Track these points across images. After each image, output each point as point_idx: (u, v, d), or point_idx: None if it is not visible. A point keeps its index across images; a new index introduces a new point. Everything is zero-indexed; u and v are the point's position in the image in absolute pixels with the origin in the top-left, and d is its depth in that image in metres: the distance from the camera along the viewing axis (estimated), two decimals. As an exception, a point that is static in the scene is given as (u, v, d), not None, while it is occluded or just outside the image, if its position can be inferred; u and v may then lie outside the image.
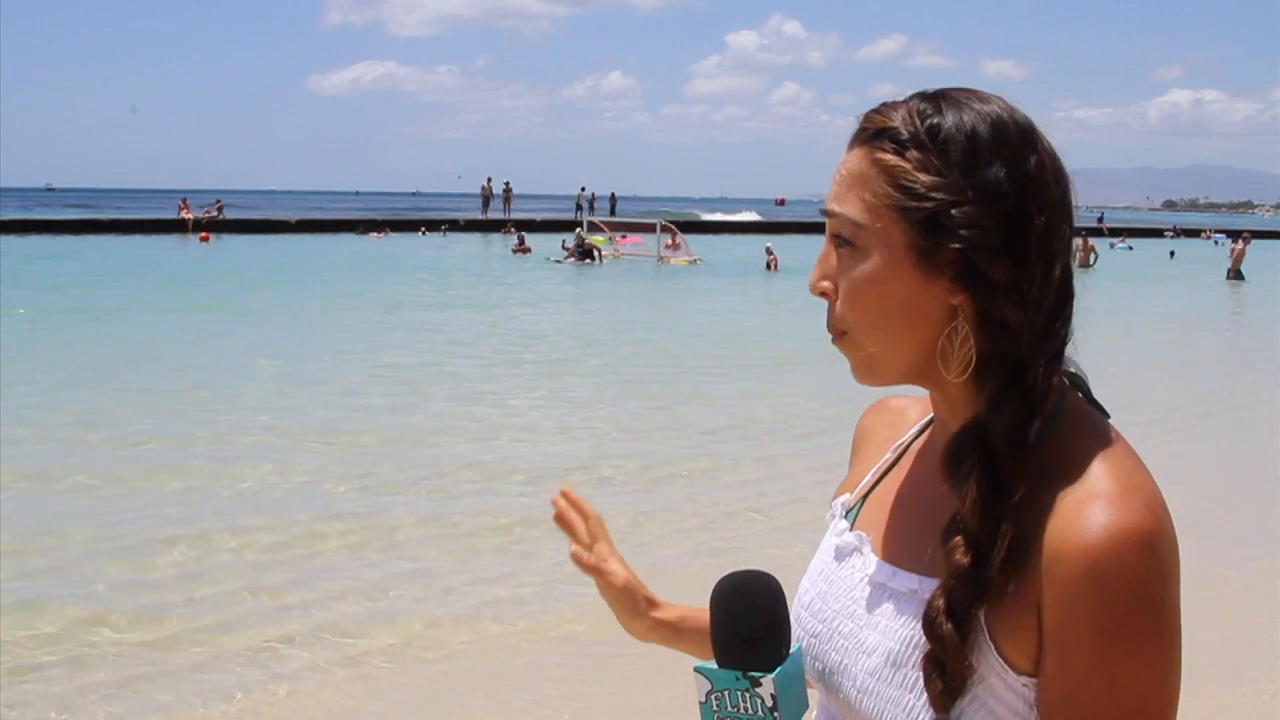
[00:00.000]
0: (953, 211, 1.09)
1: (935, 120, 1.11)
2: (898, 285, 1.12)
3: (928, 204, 1.09)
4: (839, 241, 1.15)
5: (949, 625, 1.07)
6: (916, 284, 1.11)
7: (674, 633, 1.45)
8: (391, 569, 7.04)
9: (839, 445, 1.47)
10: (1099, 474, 1.06)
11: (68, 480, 8.71)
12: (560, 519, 1.48)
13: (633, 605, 1.44)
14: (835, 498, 1.37)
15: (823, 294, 1.17)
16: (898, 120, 1.13)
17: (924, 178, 1.10)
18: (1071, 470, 1.07)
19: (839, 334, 1.17)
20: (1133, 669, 1.02)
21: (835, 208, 1.15)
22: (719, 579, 1.18)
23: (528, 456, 10.00)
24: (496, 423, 11.41)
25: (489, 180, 56.76)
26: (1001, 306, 1.09)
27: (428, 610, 6.44)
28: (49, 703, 5.18)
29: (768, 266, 32.65)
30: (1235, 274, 34.56)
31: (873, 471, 1.33)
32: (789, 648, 1.16)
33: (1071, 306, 1.13)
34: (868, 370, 1.18)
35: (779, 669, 1.14)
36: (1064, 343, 1.13)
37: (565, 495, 1.49)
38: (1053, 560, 1.04)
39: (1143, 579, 1.02)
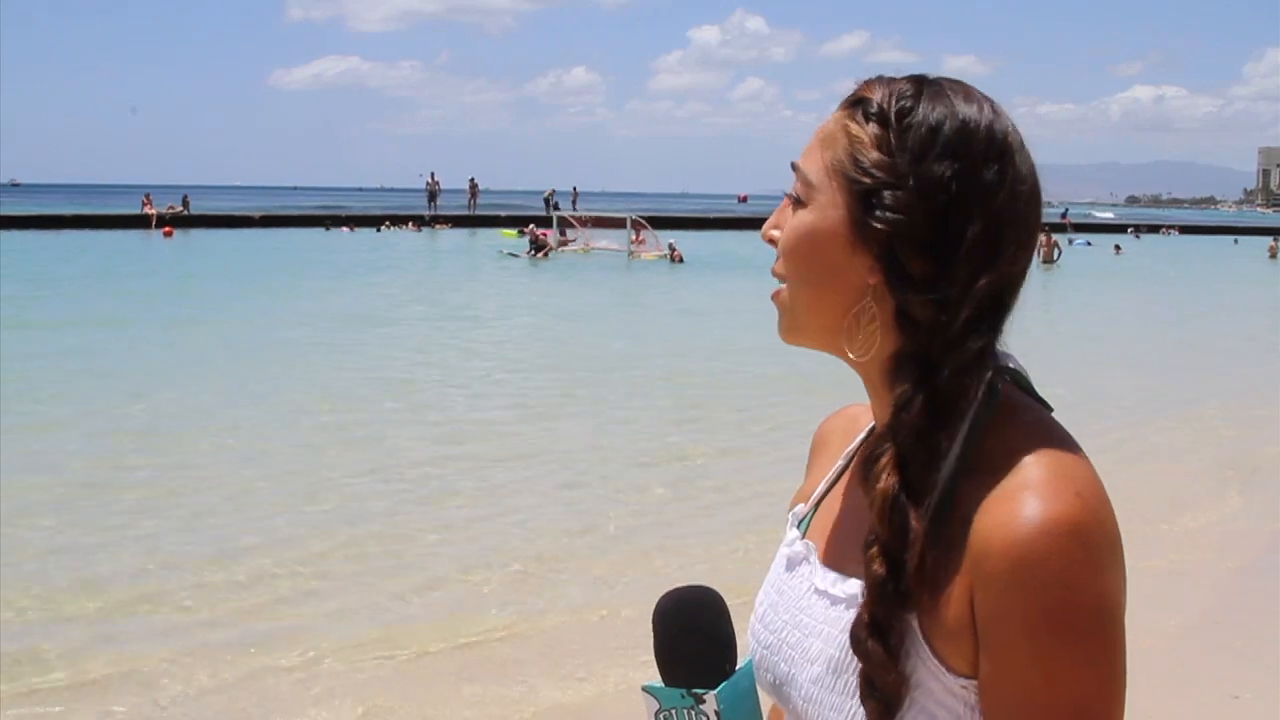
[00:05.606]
0: (886, 192, 1.09)
1: (909, 104, 1.12)
2: (828, 246, 1.13)
3: (867, 179, 1.10)
4: (795, 198, 1.17)
5: (872, 641, 1.05)
6: (844, 251, 1.12)
7: None
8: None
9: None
10: (1029, 464, 1.03)
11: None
12: None
13: None
14: (791, 508, 1.35)
15: (770, 241, 1.20)
16: (877, 95, 1.14)
17: (874, 154, 1.11)
18: (1001, 463, 1.04)
19: (775, 289, 1.19)
20: (1069, 666, 0.99)
21: (800, 162, 1.18)
22: (660, 596, 1.18)
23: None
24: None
25: (433, 175, 56.58)
26: (913, 302, 1.09)
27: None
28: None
29: (671, 259, 35.89)
30: None
31: (826, 480, 1.31)
32: (734, 664, 1.16)
33: (999, 320, 1.11)
34: (789, 327, 1.19)
35: (722, 685, 1.14)
36: (979, 354, 1.08)
37: None
38: (981, 556, 1.01)
39: (1073, 571, 0.98)
